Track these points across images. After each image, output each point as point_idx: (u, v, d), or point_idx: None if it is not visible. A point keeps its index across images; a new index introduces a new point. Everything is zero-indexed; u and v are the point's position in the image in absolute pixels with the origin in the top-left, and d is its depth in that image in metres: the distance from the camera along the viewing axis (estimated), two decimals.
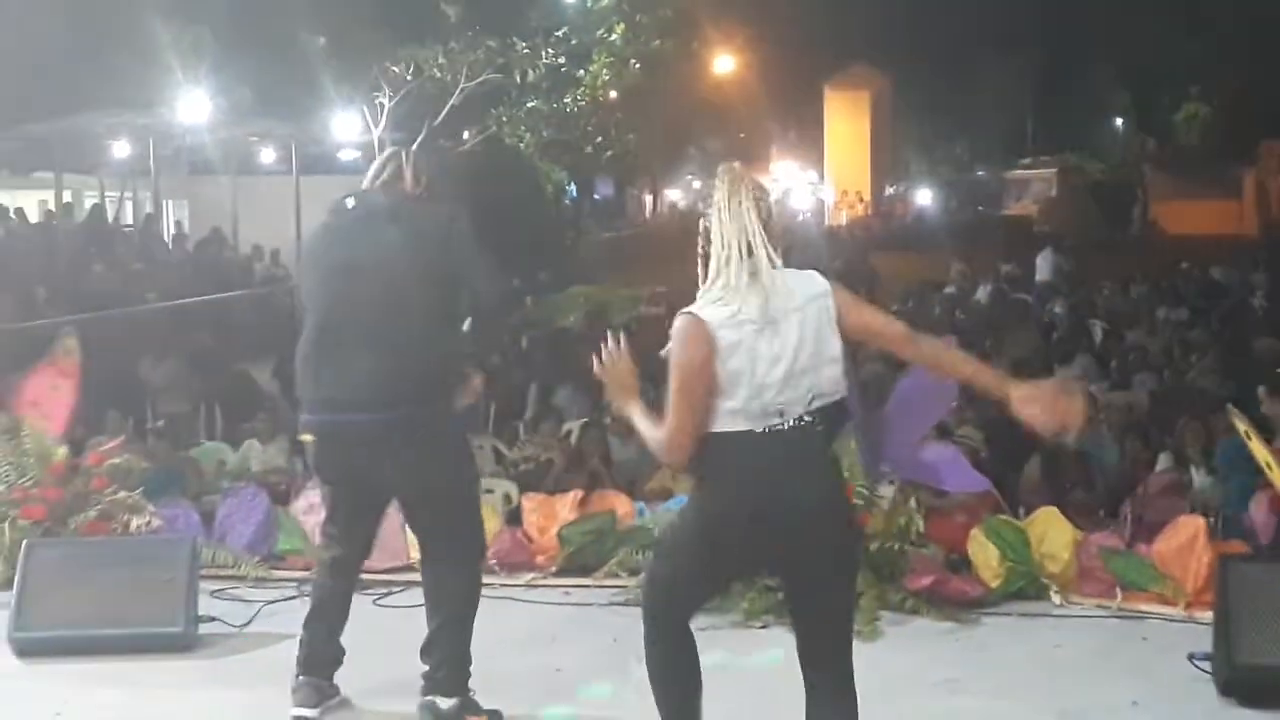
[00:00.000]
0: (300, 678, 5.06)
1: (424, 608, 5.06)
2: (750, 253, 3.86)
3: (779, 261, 3.92)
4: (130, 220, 25.56)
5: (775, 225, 3.98)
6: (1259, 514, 7.60)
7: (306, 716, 5.02)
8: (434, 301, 4.84)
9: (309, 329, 4.93)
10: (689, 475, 4.05)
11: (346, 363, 4.78)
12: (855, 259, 27.26)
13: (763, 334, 3.82)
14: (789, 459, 3.84)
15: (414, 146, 5.18)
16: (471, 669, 5.01)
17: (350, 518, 5.07)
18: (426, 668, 4.99)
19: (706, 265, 3.92)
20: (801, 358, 3.84)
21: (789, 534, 3.85)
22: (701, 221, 4.00)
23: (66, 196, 22.22)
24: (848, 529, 4.06)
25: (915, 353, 4.13)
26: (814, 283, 3.93)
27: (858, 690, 4.18)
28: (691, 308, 3.86)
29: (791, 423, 3.83)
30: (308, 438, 4.95)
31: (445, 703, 4.94)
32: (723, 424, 3.81)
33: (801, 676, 4.07)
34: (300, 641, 5.10)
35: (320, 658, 5.08)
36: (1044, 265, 23.17)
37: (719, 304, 3.83)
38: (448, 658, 4.97)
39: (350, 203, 4.98)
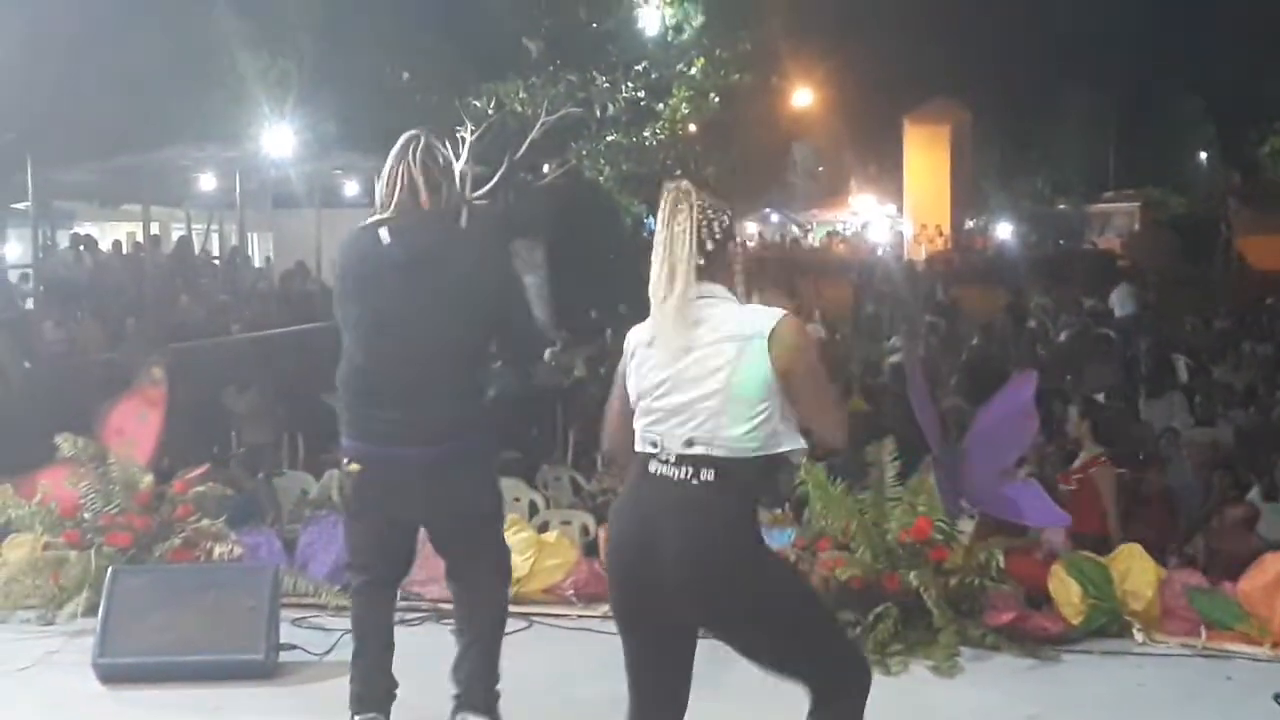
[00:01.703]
0: (356, 717, 5.04)
1: (455, 627, 5.13)
2: (672, 278, 3.70)
3: (717, 290, 3.75)
4: (216, 252, 25.91)
5: (727, 248, 3.79)
6: None
7: None
8: (475, 341, 4.94)
9: (354, 363, 4.96)
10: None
11: (395, 399, 4.84)
12: (932, 292, 27.15)
13: (658, 359, 3.72)
14: (661, 498, 3.69)
15: (423, 144, 5.02)
16: (500, 688, 5.05)
17: (381, 547, 5.06)
18: (455, 688, 5.03)
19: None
20: (687, 393, 3.67)
21: (656, 579, 3.68)
22: None
23: (154, 228, 22.57)
24: (723, 579, 3.67)
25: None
26: (752, 322, 3.68)
27: None
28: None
29: (671, 459, 3.68)
30: (355, 467, 4.96)
31: None
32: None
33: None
34: (350, 679, 5.09)
35: (374, 693, 5.06)
36: (1121, 300, 22.90)
37: (646, 324, 3.79)
38: (478, 677, 5.01)
39: (385, 237, 4.91)
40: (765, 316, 3.70)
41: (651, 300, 3.75)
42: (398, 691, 5.09)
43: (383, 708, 5.05)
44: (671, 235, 3.73)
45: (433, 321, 4.83)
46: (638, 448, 3.76)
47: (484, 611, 5.09)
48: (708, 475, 3.64)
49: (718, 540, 3.65)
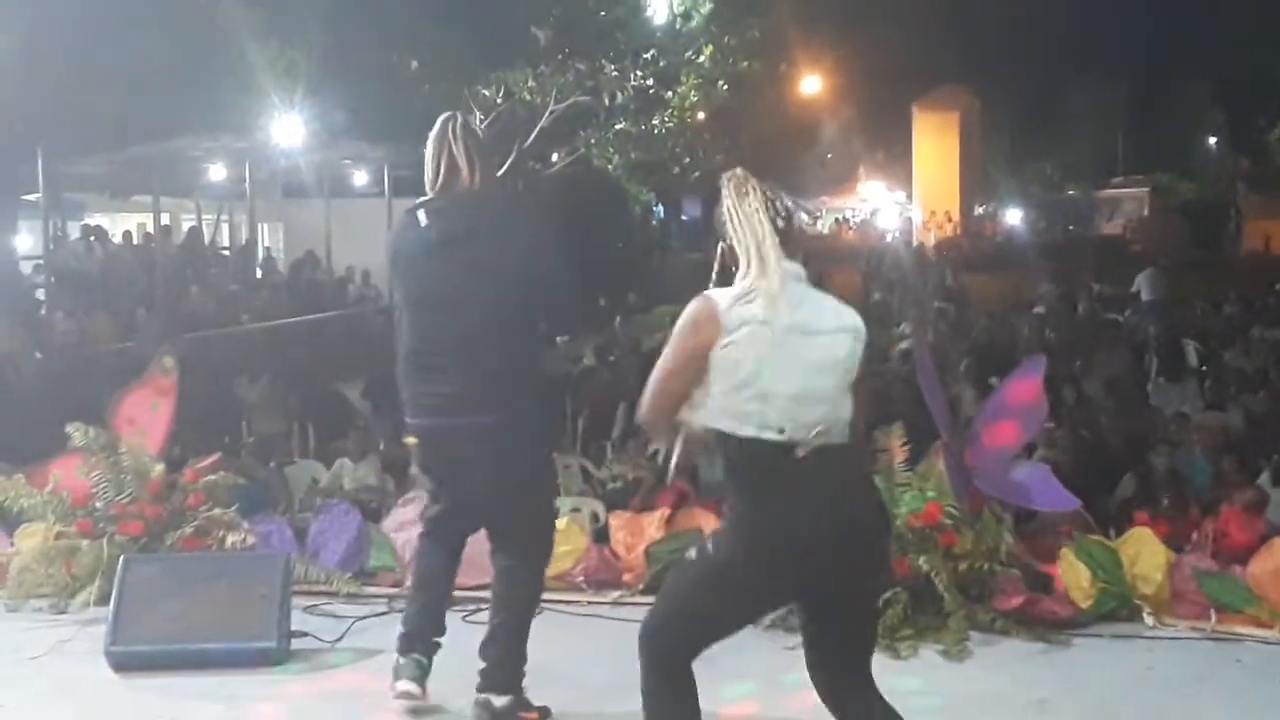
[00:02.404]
0: (402, 658, 5.19)
1: (490, 605, 5.23)
2: (763, 258, 3.76)
3: (800, 271, 3.84)
4: (226, 242, 25.94)
5: (792, 232, 3.89)
6: None
7: (412, 692, 5.14)
8: (519, 318, 5.00)
9: (405, 346, 5.13)
10: (732, 492, 3.86)
11: (443, 374, 4.98)
12: (942, 278, 27.12)
13: (774, 339, 3.71)
14: (835, 477, 3.73)
15: (460, 123, 5.10)
16: (526, 669, 5.12)
17: (447, 514, 5.25)
18: (483, 664, 5.09)
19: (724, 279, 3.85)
20: (814, 381, 3.73)
21: (837, 556, 3.73)
22: (720, 240, 3.91)
23: (164, 219, 22.60)
24: (884, 550, 4.00)
25: None
26: (849, 315, 3.86)
27: (949, 709, 4.15)
28: (709, 291, 3.80)
29: (810, 443, 3.69)
30: (411, 440, 5.17)
31: (499, 700, 5.04)
32: (722, 420, 3.71)
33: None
34: (403, 617, 5.28)
35: (422, 635, 5.21)
36: (1147, 285, 22.69)
37: (742, 300, 3.73)
38: (504, 655, 5.08)
39: (423, 219, 5.06)
40: (853, 313, 3.89)
41: (752, 280, 3.75)
42: (442, 640, 5.23)
43: (427, 652, 5.20)
44: (747, 216, 3.82)
45: (472, 297, 4.94)
46: (739, 429, 3.69)
47: (518, 591, 5.18)
48: (844, 459, 3.76)
49: (884, 514, 3.92)
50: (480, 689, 5.06)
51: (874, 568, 3.91)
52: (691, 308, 3.77)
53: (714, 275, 3.89)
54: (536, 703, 5.14)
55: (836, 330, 3.80)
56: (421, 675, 5.17)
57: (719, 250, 3.90)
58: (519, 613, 5.14)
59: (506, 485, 5.02)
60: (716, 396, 3.72)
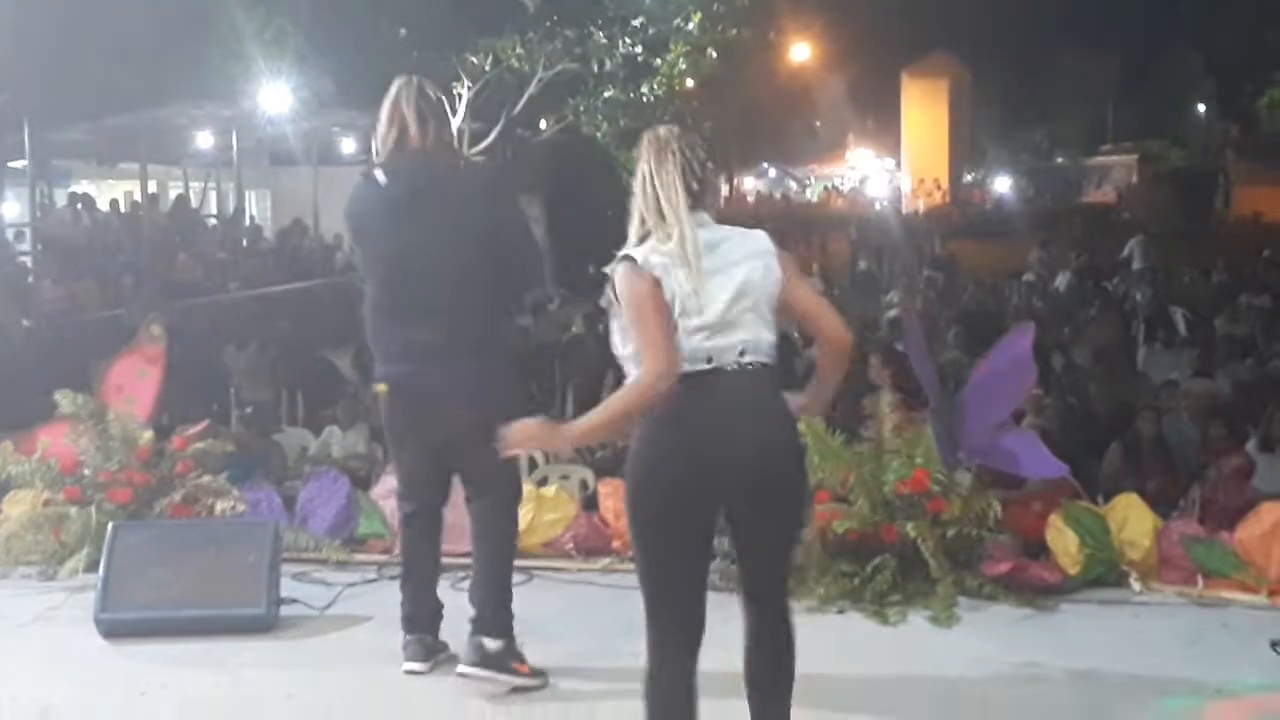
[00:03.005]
0: (407, 636, 5.34)
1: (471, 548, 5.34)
2: (667, 218, 3.93)
3: (708, 218, 4.02)
4: (214, 210, 25.86)
5: (710, 182, 4.06)
6: None
7: (418, 670, 5.27)
8: (483, 269, 5.09)
9: (372, 302, 5.26)
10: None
11: (411, 326, 5.10)
12: (931, 246, 27.12)
13: (691, 282, 3.88)
14: (732, 398, 3.89)
15: (415, 87, 5.21)
16: (515, 620, 5.21)
17: (424, 474, 5.34)
18: (473, 610, 5.16)
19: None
20: (734, 310, 3.91)
21: (737, 472, 3.88)
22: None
23: (151, 187, 22.53)
24: (799, 467, 4.09)
25: (821, 353, 4.29)
26: (757, 241, 4.04)
27: (937, 674, 4.17)
28: (626, 251, 3.94)
29: (730, 368, 3.90)
30: (383, 388, 5.24)
31: (492, 644, 5.09)
32: None
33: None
34: (401, 602, 5.39)
35: (421, 613, 5.36)
36: (1138, 252, 22.69)
37: (649, 251, 3.92)
38: (492, 597, 5.17)
39: (382, 178, 5.17)
40: (762, 236, 4.07)
41: (658, 236, 3.94)
42: (443, 612, 5.38)
43: (430, 628, 5.36)
44: (663, 182, 3.97)
45: (442, 251, 5.06)
46: (685, 366, 3.86)
47: (493, 531, 5.26)
48: (763, 378, 3.94)
49: (792, 432, 4.07)
50: (473, 631, 5.12)
51: (786, 489, 4.01)
52: (620, 272, 3.91)
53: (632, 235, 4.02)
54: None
55: (748, 257, 3.98)
56: (426, 653, 5.32)
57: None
58: (499, 551, 5.26)
59: (476, 428, 4.96)
60: None
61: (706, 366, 3.88)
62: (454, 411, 5.10)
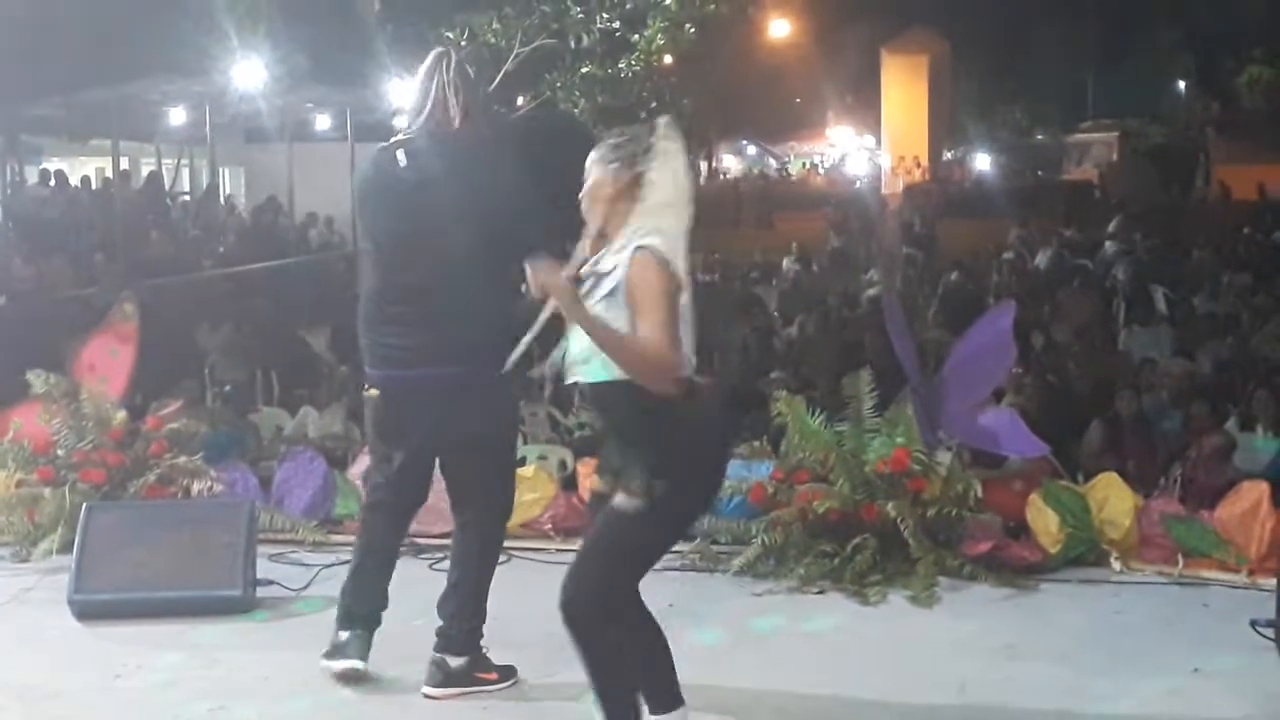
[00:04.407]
0: (347, 632, 5.03)
1: (449, 562, 5.14)
2: (685, 213, 3.98)
3: None
4: (186, 187, 25.69)
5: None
6: None
7: (358, 669, 5.01)
8: (493, 264, 4.79)
9: (370, 290, 4.97)
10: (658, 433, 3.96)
11: (410, 324, 4.80)
12: (910, 224, 27.07)
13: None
14: (723, 401, 4.17)
15: (454, 61, 4.97)
16: (484, 628, 5.05)
17: (403, 470, 5.03)
18: (440, 623, 5.01)
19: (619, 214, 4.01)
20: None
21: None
22: (634, 171, 4.03)
23: (123, 164, 22.36)
24: None
25: None
26: None
27: (917, 654, 4.17)
28: (649, 244, 3.91)
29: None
30: (374, 393, 4.98)
31: (455, 661, 4.98)
32: None
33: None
34: (342, 593, 5.09)
35: (362, 610, 5.05)
36: (1116, 232, 22.63)
37: (672, 253, 3.93)
38: (461, 613, 4.99)
39: (402, 159, 4.84)
40: None
41: (671, 229, 3.97)
42: (384, 615, 5.10)
43: (369, 625, 5.04)
44: (686, 174, 4.04)
45: (448, 243, 4.75)
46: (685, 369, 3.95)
47: (477, 549, 5.06)
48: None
49: None
50: (436, 648, 5.00)
51: None
52: (657, 261, 3.89)
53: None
54: (503, 656, 5.09)
55: None
56: (366, 651, 5.02)
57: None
58: (478, 571, 5.04)
59: (470, 438, 4.90)
60: None
61: (691, 370, 3.99)
62: (450, 421, 4.85)
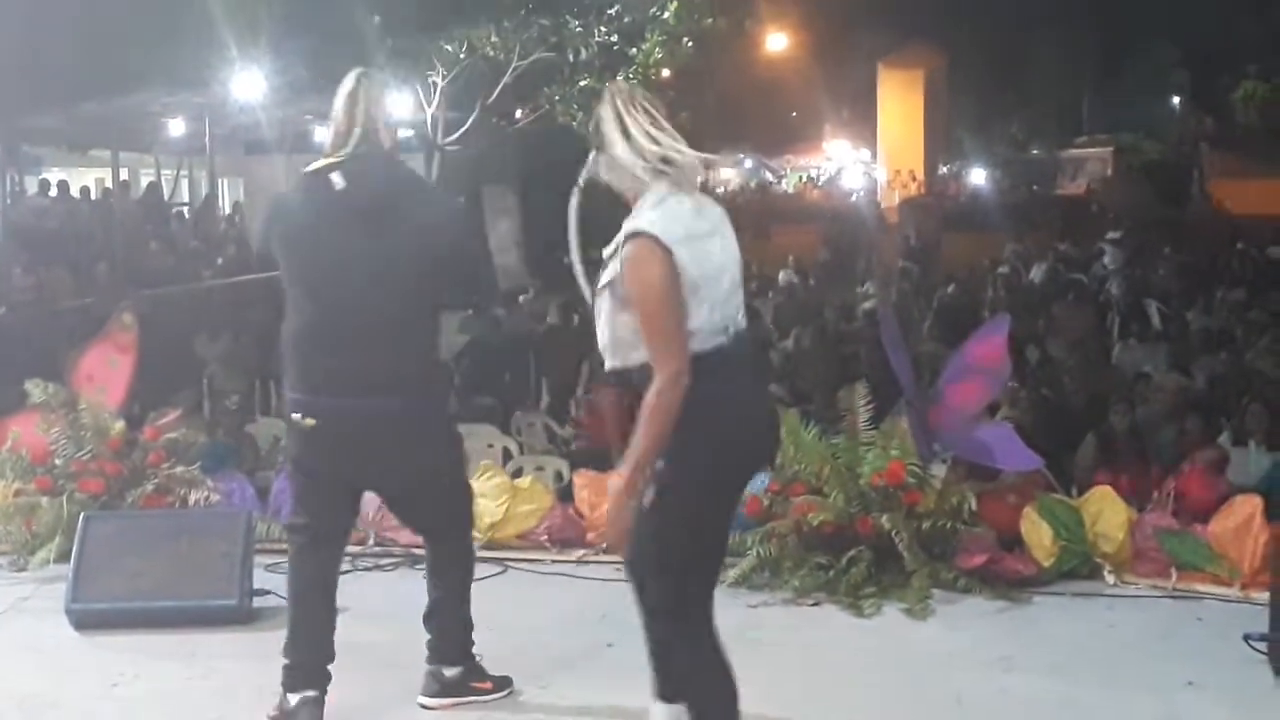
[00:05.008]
0: (298, 695, 4.73)
1: (425, 578, 5.05)
2: (670, 162, 3.74)
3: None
4: (186, 198, 25.70)
5: (678, 138, 3.83)
6: None
7: None
8: (433, 289, 4.69)
9: (303, 315, 4.69)
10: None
11: (349, 350, 4.57)
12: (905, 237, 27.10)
13: (709, 242, 3.74)
14: (754, 367, 3.92)
15: (376, 83, 4.74)
16: (474, 636, 5.03)
17: (330, 505, 4.81)
18: (429, 636, 5.00)
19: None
20: (735, 272, 3.80)
21: (770, 440, 4.01)
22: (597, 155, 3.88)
23: (123, 174, 22.37)
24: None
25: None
26: (717, 207, 3.90)
27: (912, 666, 4.16)
28: (639, 227, 3.68)
29: (739, 335, 3.78)
30: (310, 422, 4.63)
31: (450, 671, 4.98)
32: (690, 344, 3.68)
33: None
34: (284, 651, 4.80)
35: (312, 667, 4.78)
36: (1110, 250, 22.57)
37: (665, 218, 3.69)
38: (448, 626, 4.97)
39: (339, 182, 4.58)
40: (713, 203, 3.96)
41: (660, 190, 3.76)
42: (332, 666, 4.83)
43: (321, 684, 4.78)
44: (642, 126, 3.78)
45: (392, 270, 4.56)
46: (708, 342, 3.70)
47: (451, 562, 5.00)
48: (750, 342, 3.93)
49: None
50: (430, 660, 5.00)
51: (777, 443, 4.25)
52: (643, 247, 3.66)
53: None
54: (500, 666, 5.10)
55: (719, 224, 3.84)
56: (320, 713, 4.74)
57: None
58: (457, 584, 4.98)
59: (420, 472, 4.75)
60: None
61: (724, 338, 3.73)
62: (394, 457, 4.65)
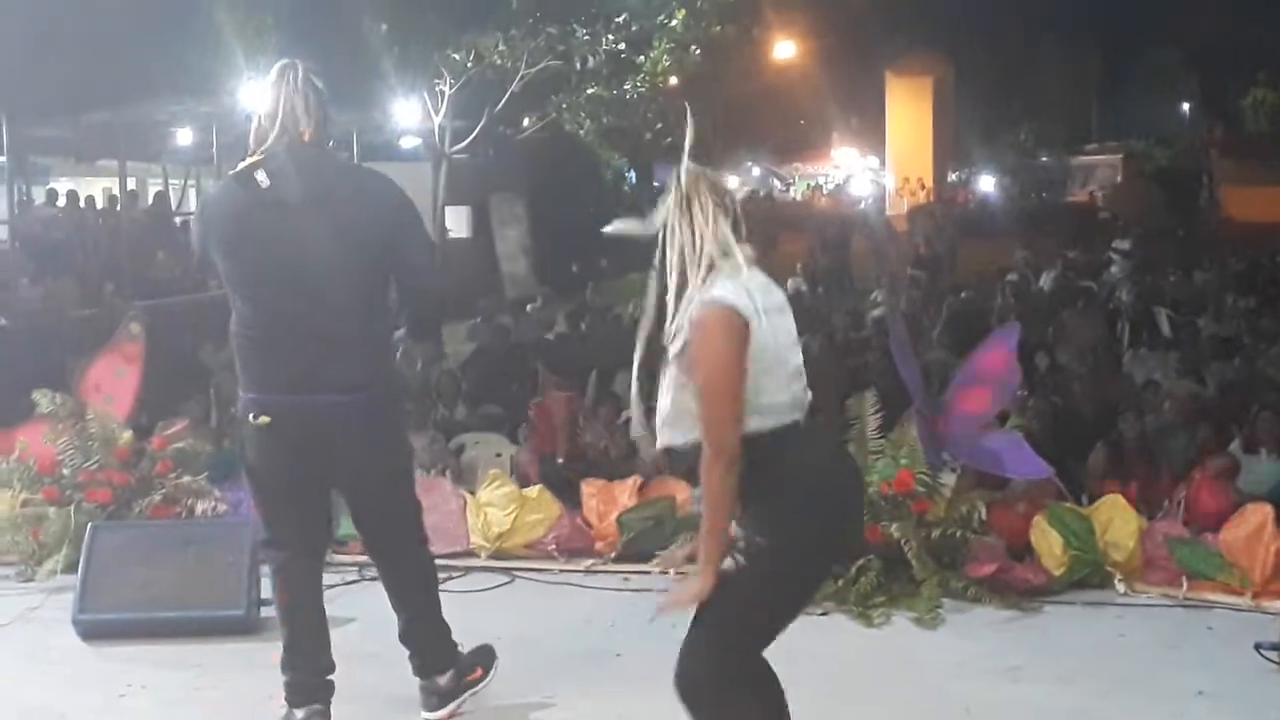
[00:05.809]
0: (303, 710, 4.72)
1: (388, 597, 4.97)
2: (729, 254, 3.61)
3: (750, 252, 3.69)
4: (193, 208, 25.71)
5: (741, 223, 3.70)
6: None
7: None
8: (376, 282, 4.60)
9: (246, 318, 4.60)
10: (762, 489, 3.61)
11: (298, 348, 4.50)
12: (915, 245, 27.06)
13: (782, 318, 3.65)
14: (838, 445, 3.92)
15: (301, 72, 4.62)
16: (453, 636, 4.99)
17: (298, 515, 4.75)
18: (412, 654, 4.95)
19: (679, 275, 3.61)
20: (800, 353, 3.70)
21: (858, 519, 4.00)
22: (666, 231, 3.66)
23: (130, 184, 22.40)
24: None
25: None
26: (780, 289, 3.76)
27: (921, 676, 4.14)
28: (716, 296, 3.53)
29: (806, 409, 3.67)
30: (264, 419, 4.54)
31: (443, 679, 4.94)
32: (760, 422, 3.55)
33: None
34: (283, 667, 4.77)
35: (311, 681, 4.76)
36: (1119, 258, 22.60)
37: (741, 291, 3.56)
38: (427, 639, 4.94)
39: (264, 180, 4.46)
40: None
41: (724, 269, 3.60)
42: (334, 677, 4.82)
43: (324, 697, 4.75)
44: (710, 215, 3.65)
45: (328, 265, 4.46)
46: (785, 416, 3.61)
47: (413, 581, 4.91)
48: (819, 419, 3.86)
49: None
50: (421, 675, 4.95)
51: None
52: (718, 317, 3.52)
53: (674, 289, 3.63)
54: (507, 676, 5.08)
55: (786, 303, 3.74)
56: None
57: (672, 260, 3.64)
58: (425, 597, 4.92)
59: (375, 466, 4.68)
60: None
61: (800, 413, 3.64)
62: (349, 450, 4.57)
